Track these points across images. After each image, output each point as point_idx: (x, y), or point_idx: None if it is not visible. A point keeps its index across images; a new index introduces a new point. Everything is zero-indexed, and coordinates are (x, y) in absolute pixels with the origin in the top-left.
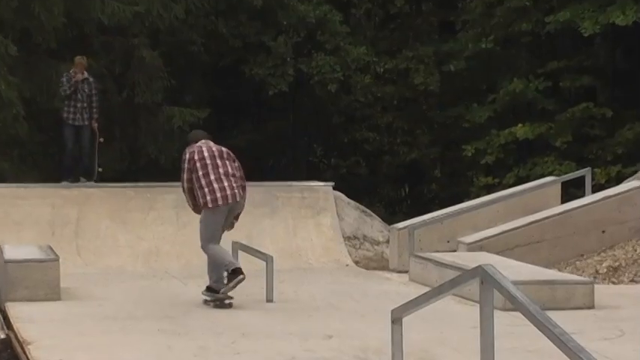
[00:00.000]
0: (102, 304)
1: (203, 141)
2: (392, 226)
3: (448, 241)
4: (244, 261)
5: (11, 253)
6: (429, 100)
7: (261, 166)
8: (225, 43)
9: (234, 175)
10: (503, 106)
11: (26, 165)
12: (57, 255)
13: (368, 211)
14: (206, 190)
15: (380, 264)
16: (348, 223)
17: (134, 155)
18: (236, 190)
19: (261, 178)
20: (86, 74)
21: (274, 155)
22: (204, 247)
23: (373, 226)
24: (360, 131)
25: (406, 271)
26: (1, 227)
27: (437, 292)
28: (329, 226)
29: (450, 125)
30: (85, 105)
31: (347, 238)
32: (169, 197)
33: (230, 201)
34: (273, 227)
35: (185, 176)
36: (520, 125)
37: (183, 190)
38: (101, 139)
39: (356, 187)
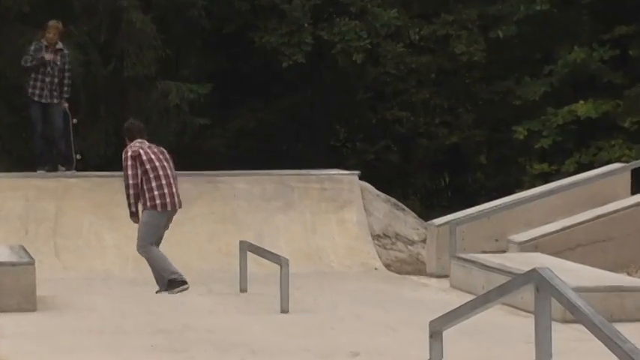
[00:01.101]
0: (85, 316)
1: (139, 141)
2: (429, 222)
3: (496, 240)
4: (253, 264)
5: None
6: (473, 72)
7: (273, 151)
8: (230, 6)
9: (174, 178)
10: (561, 80)
11: None
12: (31, 257)
13: (400, 204)
14: (156, 192)
15: (415, 267)
16: (377, 218)
17: (122, 139)
18: (180, 198)
19: (274, 165)
20: (60, 44)
21: (289, 138)
22: (143, 249)
23: (407, 222)
24: (390, 110)
25: (446, 276)
26: None
27: (483, 300)
28: (354, 223)
29: (497, 102)
30: (56, 80)
31: (376, 237)
32: None
33: (177, 207)
34: (288, 224)
35: (130, 172)
36: (582, 102)
37: (127, 188)
38: (74, 120)
39: (386, 177)
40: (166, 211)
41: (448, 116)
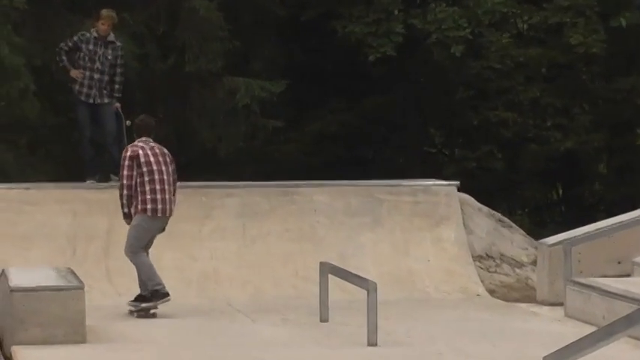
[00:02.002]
0: (141, 349)
1: (144, 139)
2: (540, 241)
3: (619, 262)
4: (336, 289)
5: (19, 278)
6: (591, 67)
7: (358, 159)
8: None
9: (171, 184)
10: None
11: (37, 157)
12: (81, 281)
13: (506, 220)
14: (149, 197)
15: (524, 293)
16: (478, 237)
17: (183, 144)
18: (174, 205)
19: (359, 175)
20: (112, 36)
21: (376, 144)
22: (131, 254)
23: (514, 241)
24: (494, 110)
25: (561, 304)
26: (5, 243)
27: (605, 333)
28: (453, 242)
29: (620, 102)
30: (106, 77)
31: (478, 258)
32: (232, 202)
33: (168, 214)
34: (376, 243)
35: (125, 173)
36: None
37: (121, 188)
38: (128, 122)
39: (489, 188)
40: (157, 217)
41: (562, 118)
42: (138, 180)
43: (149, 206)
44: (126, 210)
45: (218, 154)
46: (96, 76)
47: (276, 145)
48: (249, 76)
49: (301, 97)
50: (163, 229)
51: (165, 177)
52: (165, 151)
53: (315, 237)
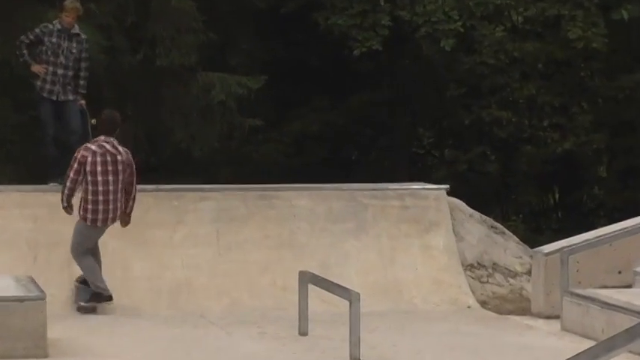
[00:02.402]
0: None
1: (102, 139)
2: (535, 249)
3: (620, 272)
4: (317, 300)
5: None
6: (591, 63)
7: (341, 161)
8: None
9: (118, 193)
10: None
11: None
12: (42, 291)
13: (500, 226)
14: (90, 207)
15: (518, 305)
16: (470, 244)
17: (154, 144)
18: (118, 212)
19: (343, 178)
20: (77, 28)
21: (361, 144)
22: (74, 256)
23: (507, 249)
24: (487, 109)
25: (557, 316)
26: None
27: (604, 348)
28: (442, 250)
29: (622, 100)
30: (71, 73)
31: (469, 267)
32: (206, 206)
33: (109, 223)
34: (360, 251)
35: (71, 175)
36: None
37: (65, 180)
38: (93, 121)
39: (482, 192)
40: (96, 226)
41: (559, 117)
42: (84, 185)
43: (89, 216)
44: (65, 204)
45: (192, 155)
46: (60, 71)
47: (254, 145)
48: (225, 72)
49: (281, 94)
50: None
51: (110, 187)
52: (121, 156)
53: (295, 244)
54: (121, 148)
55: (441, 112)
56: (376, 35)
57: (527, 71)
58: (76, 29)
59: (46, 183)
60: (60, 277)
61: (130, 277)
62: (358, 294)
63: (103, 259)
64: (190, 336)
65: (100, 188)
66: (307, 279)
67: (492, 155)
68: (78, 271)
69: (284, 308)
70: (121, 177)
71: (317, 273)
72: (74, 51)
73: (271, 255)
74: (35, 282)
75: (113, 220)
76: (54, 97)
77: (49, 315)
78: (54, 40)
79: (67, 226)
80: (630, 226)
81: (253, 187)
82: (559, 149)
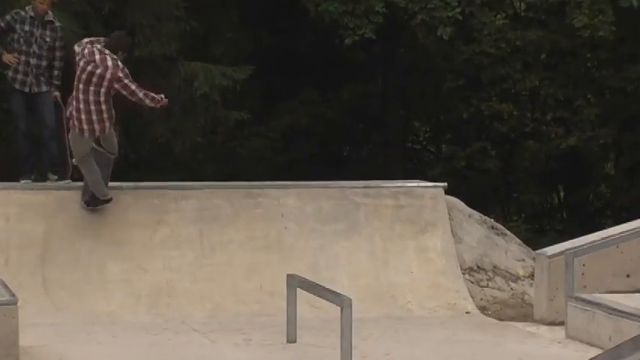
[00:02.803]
0: None
1: (91, 40)
2: (538, 251)
3: (628, 276)
4: (306, 305)
5: None
6: (598, 53)
7: (332, 157)
8: None
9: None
10: None
11: None
12: (13, 295)
13: (500, 227)
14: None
15: (520, 311)
16: (469, 246)
17: (133, 139)
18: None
19: (333, 175)
20: (51, 15)
21: (353, 140)
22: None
23: (509, 251)
24: (487, 101)
25: (561, 323)
26: None
27: (611, 356)
28: (439, 252)
29: (630, 93)
30: (44, 63)
31: (467, 270)
32: (188, 205)
33: (86, 135)
34: (352, 253)
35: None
36: None
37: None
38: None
39: (481, 191)
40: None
41: (564, 111)
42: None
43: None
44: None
45: (173, 151)
46: (32, 61)
47: (239, 140)
48: (208, 62)
49: (268, 86)
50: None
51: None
52: (96, 53)
53: (282, 246)
54: (97, 57)
55: (437, 105)
56: (369, 23)
57: (530, 61)
58: (50, 16)
59: (17, 180)
60: (32, 280)
61: (106, 279)
62: (350, 299)
63: (77, 262)
64: (171, 343)
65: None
66: (296, 283)
67: (492, 151)
68: (52, 276)
69: (271, 314)
70: (92, 87)
71: (306, 276)
72: (48, 39)
73: (257, 257)
74: (6, 285)
75: (90, 133)
76: (26, 89)
77: (21, 321)
78: (26, 28)
79: (38, 225)
80: (638, 227)
81: (238, 185)
82: (563, 145)
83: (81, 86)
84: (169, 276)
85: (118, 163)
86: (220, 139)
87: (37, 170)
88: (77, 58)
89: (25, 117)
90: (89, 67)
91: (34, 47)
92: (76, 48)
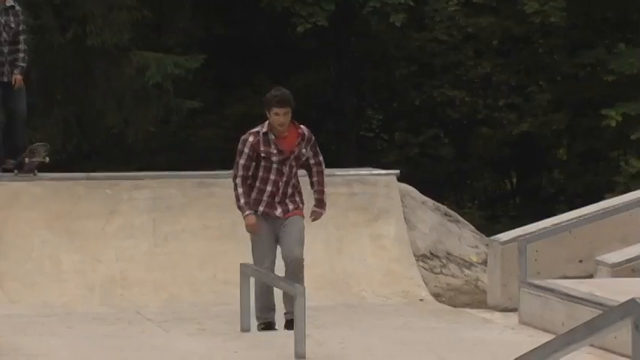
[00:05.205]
0: None
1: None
2: (492, 238)
3: (581, 261)
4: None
5: None
6: (550, 39)
7: None
8: None
9: None
10: None
11: None
12: None
13: (454, 214)
14: None
15: (474, 297)
16: (422, 233)
17: (86, 129)
18: None
19: None
20: (11, 0)
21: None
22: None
23: (462, 238)
24: (440, 88)
25: (515, 309)
26: None
27: (565, 341)
28: (393, 239)
29: (582, 79)
30: (6, 50)
31: (421, 258)
32: (141, 195)
33: None
34: (306, 241)
35: None
36: None
37: None
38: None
39: (435, 178)
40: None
41: (516, 97)
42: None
43: None
44: None
45: (126, 141)
46: (5, 49)
47: (192, 129)
48: (161, 51)
49: (221, 74)
50: None
51: None
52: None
53: (236, 235)
54: None
55: (390, 92)
56: (321, 10)
57: (482, 48)
58: (10, 1)
59: None
60: None
61: (60, 271)
62: (303, 287)
63: (30, 254)
64: (125, 334)
65: None
66: (249, 272)
67: (445, 138)
68: (5, 267)
69: (225, 303)
70: None
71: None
72: (13, 25)
73: (211, 247)
74: None
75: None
76: (5, 79)
77: None
78: None
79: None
80: (591, 213)
81: (191, 175)
82: (516, 131)
83: None
84: (123, 266)
85: (71, 154)
86: (173, 128)
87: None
88: None
89: (2, 106)
90: None
91: (4, 35)
92: None
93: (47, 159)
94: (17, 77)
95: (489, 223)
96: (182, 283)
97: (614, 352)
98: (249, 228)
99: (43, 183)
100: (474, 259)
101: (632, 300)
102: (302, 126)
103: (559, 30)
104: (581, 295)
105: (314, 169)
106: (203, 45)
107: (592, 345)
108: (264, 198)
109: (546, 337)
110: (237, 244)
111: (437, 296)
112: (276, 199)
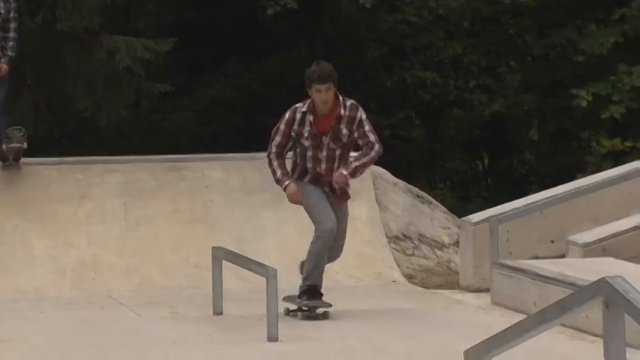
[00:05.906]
0: (8, 349)
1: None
2: (463, 219)
3: (552, 242)
4: (232, 277)
5: None
6: (520, 19)
7: (257, 129)
8: None
9: None
10: (637, 28)
11: None
12: None
13: (425, 196)
14: None
15: (446, 279)
16: (394, 215)
17: (57, 113)
18: None
19: (258, 147)
20: None
21: (277, 111)
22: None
23: (434, 219)
24: (410, 70)
25: (487, 290)
26: None
27: (536, 321)
28: (365, 221)
29: (553, 59)
30: (6, 35)
31: (393, 239)
32: (113, 179)
33: None
34: (278, 224)
35: None
36: None
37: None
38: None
39: (406, 159)
40: None
41: (487, 78)
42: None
43: None
44: None
45: (97, 125)
46: None
47: (163, 113)
48: (130, 35)
49: (191, 58)
50: None
51: None
52: None
53: (208, 218)
54: None
55: (361, 74)
56: None
57: (452, 29)
58: None
59: None
60: None
61: (31, 256)
62: (275, 270)
63: (1, 239)
64: (97, 318)
65: None
66: (221, 255)
67: (417, 120)
68: None
69: (197, 287)
70: None
71: (232, 248)
72: (2, 11)
73: (183, 230)
74: None
75: None
76: None
77: None
78: None
79: None
80: (562, 193)
81: (162, 158)
82: (487, 112)
83: None
84: (94, 251)
85: (42, 139)
86: (144, 112)
87: None
88: None
89: None
90: None
91: None
92: None
93: (25, 144)
94: (3, 66)
95: (461, 204)
96: (154, 267)
97: (586, 332)
98: (291, 198)
99: (13, 168)
100: (446, 240)
101: (603, 279)
102: (348, 103)
103: (529, 10)
104: (552, 275)
105: (363, 150)
106: (173, 28)
107: (564, 325)
108: (310, 173)
109: (518, 317)
110: (209, 227)
111: (409, 278)
112: (321, 180)
